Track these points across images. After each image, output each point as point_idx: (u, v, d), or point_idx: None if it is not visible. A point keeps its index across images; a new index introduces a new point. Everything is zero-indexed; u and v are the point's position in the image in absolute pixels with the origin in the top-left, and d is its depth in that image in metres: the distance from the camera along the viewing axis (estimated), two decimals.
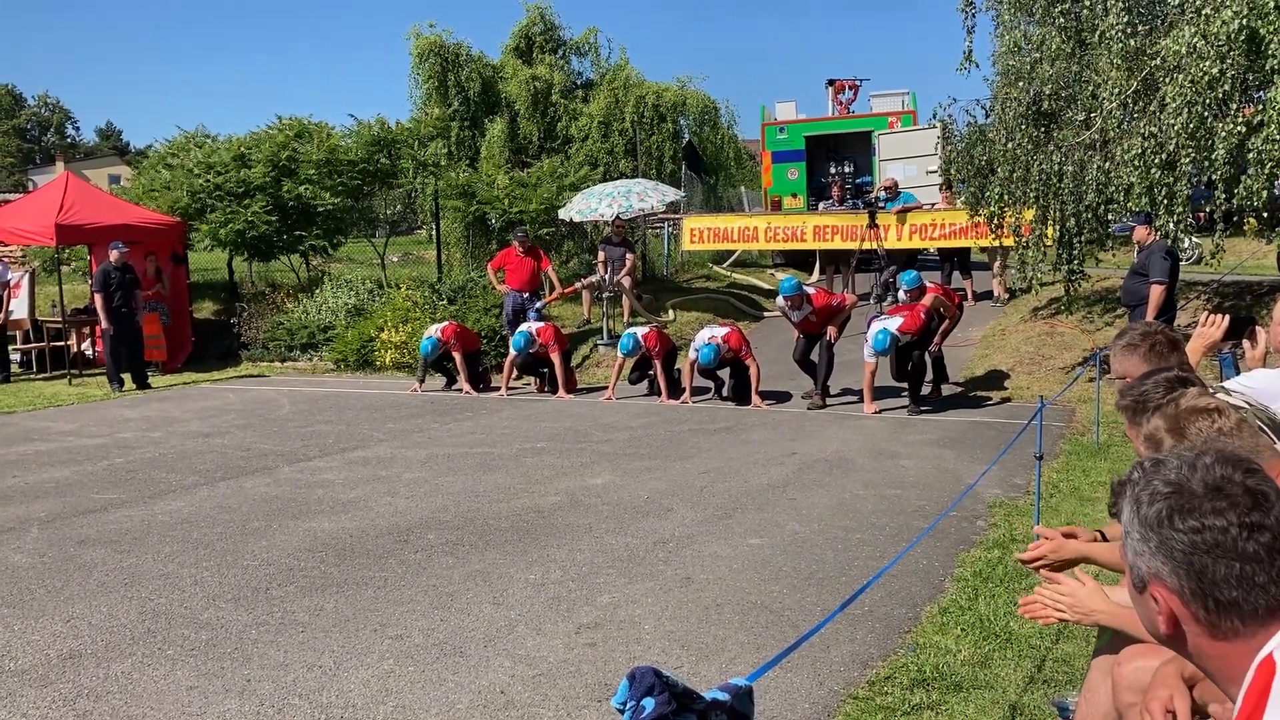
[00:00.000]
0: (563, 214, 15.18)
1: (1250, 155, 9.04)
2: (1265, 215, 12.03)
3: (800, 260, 18.96)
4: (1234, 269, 13.17)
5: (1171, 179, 9.52)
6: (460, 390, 12.15)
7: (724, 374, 11.10)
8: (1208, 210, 10.46)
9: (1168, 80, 9.37)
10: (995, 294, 15.13)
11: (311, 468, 8.19)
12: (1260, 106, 9.21)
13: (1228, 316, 4.21)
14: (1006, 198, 11.43)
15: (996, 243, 13.09)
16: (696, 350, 10.65)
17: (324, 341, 14.91)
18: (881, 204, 15.69)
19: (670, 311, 15.14)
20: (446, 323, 12.41)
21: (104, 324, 13.07)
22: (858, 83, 22.06)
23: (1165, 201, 9.58)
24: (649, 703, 1.70)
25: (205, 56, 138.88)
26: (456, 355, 12.13)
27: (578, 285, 14.69)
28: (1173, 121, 9.23)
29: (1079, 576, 2.45)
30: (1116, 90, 9.88)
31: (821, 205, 20.10)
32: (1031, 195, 11.00)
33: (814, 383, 10.65)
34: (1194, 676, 2.14)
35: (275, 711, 3.86)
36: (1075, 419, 9.39)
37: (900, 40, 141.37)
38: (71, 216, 13.71)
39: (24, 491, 7.50)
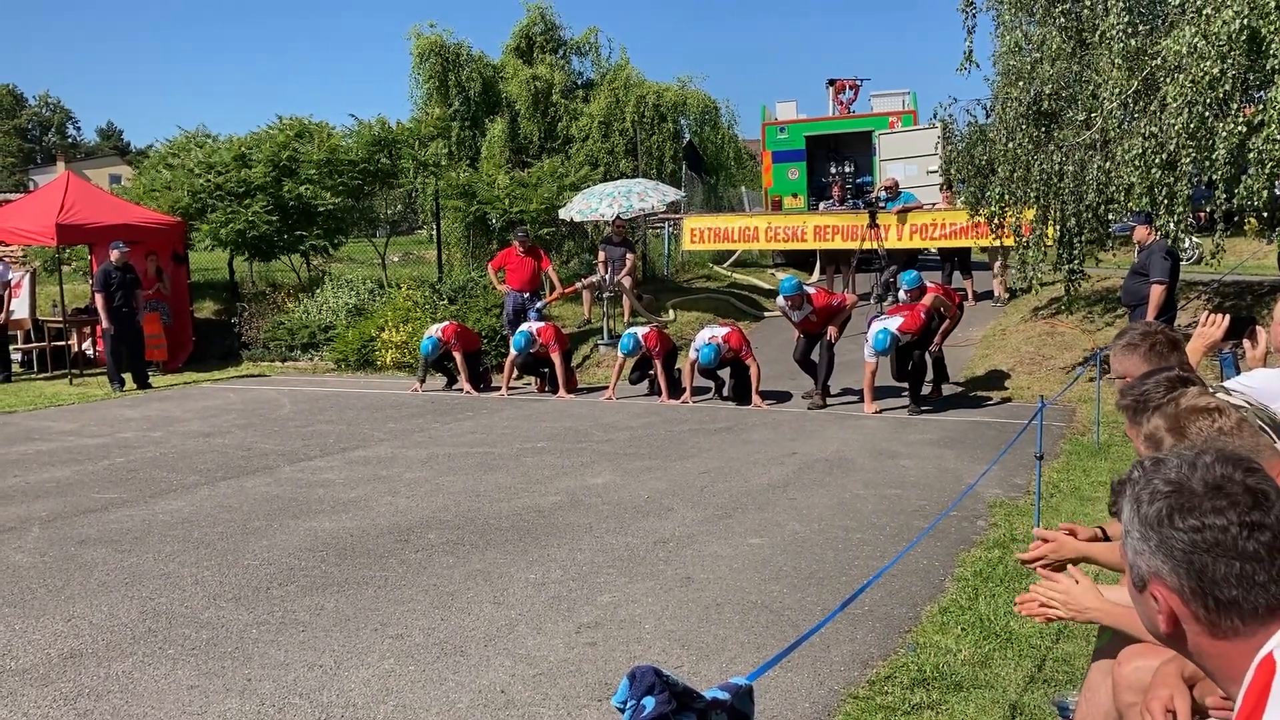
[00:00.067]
0: (563, 214, 15.18)
1: (1251, 155, 9.05)
2: (1266, 215, 12.05)
3: (801, 260, 18.96)
4: (1234, 269, 13.17)
5: (1172, 179, 9.53)
6: (461, 390, 12.16)
7: (724, 374, 11.10)
8: (1208, 210, 10.46)
9: (1168, 80, 9.38)
10: (996, 294, 15.12)
11: (312, 467, 8.19)
12: (1261, 106, 9.21)
13: (1228, 316, 4.21)
14: (1007, 197, 11.43)
15: (997, 243, 13.10)
16: (697, 350, 10.65)
17: (325, 341, 14.92)
18: (882, 204, 15.69)
19: (670, 311, 15.14)
20: (447, 322, 12.42)
21: (105, 324, 13.07)
22: (858, 82, 22.07)
23: (1166, 201, 9.59)
24: (649, 702, 1.70)
25: (205, 56, 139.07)
26: (457, 355, 12.13)
27: (578, 285, 14.70)
28: (1173, 121, 9.23)
29: (1072, 574, 2.45)
30: (1117, 90, 9.88)
31: (822, 205, 20.10)
32: (1032, 195, 11.00)
33: (814, 382, 10.65)
34: (1194, 676, 2.14)
35: (276, 711, 3.86)
36: (1076, 419, 9.39)
37: (900, 40, 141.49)
38: (72, 216, 13.72)
39: (25, 491, 7.51)
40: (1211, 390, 2.57)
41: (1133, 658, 2.52)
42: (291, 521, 6.52)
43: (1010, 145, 11.01)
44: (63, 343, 14.85)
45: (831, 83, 22.19)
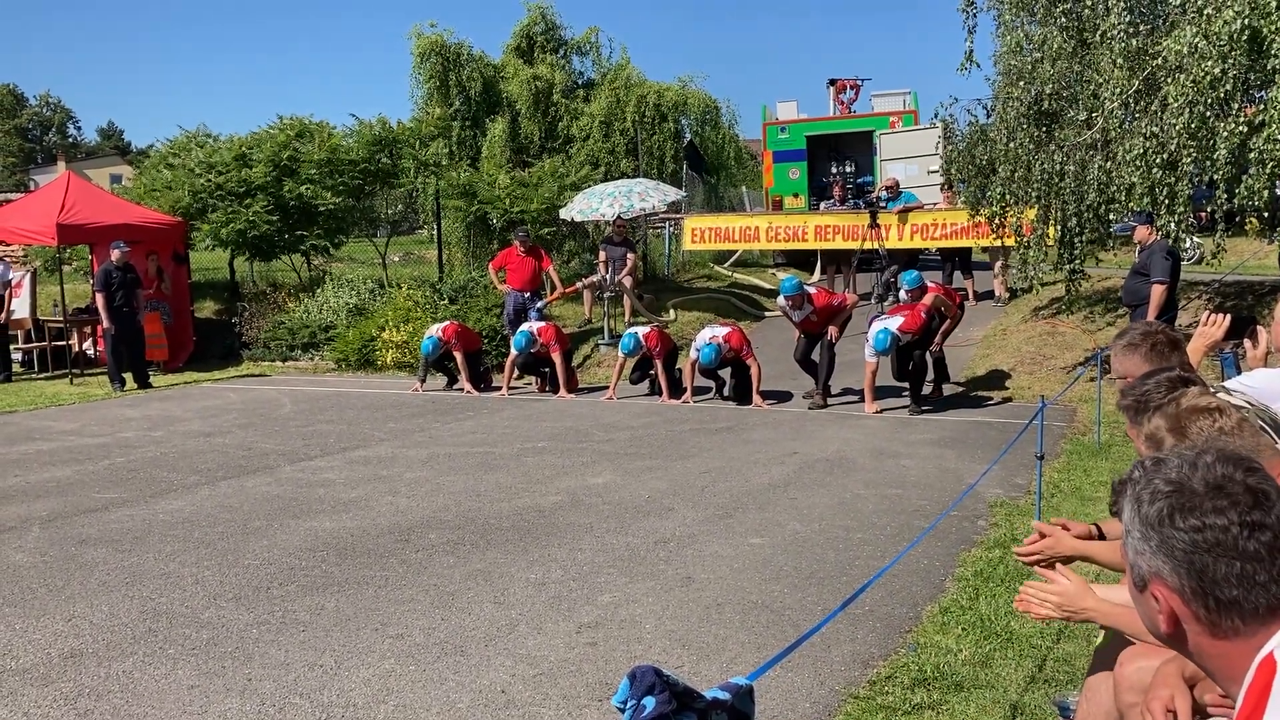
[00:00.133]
0: (564, 214, 15.18)
1: (1251, 155, 9.05)
2: (1266, 215, 12.05)
3: (801, 260, 18.96)
4: (1235, 269, 13.17)
5: (1173, 179, 9.53)
6: (461, 390, 12.16)
7: (725, 374, 11.10)
8: (1209, 210, 10.46)
9: (1169, 80, 9.38)
10: (996, 294, 15.12)
11: (313, 467, 8.19)
12: (1262, 106, 9.21)
13: (1229, 316, 4.21)
14: (1008, 197, 11.43)
15: (998, 242, 13.09)
16: (697, 350, 10.65)
17: (325, 341, 14.92)
18: (883, 204, 15.69)
19: (671, 311, 15.14)
20: (448, 322, 12.42)
21: (105, 323, 13.08)
22: (859, 82, 22.07)
23: (1166, 201, 9.59)
24: (649, 702, 1.70)
25: (206, 56, 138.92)
26: (458, 355, 12.13)
27: (579, 285, 14.70)
28: (1174, 121, 9.23)
29: (1063, 573, 2.43)
30: (1118, 90, 9.88)
31: (823, 205, 20.10)
32: (1033, 195, 11.00)
33: (815, 382, 10.65)
34: (1195, 676, 2.13)
35: (276, 710, 3.86)
36: (1076, 419, 9.39)
37: (901, 40, 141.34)
38: (73, 216, 13.73)
39: (25, 491, 7.51)
40: (1212, 390, 2.57)
41: (1133, 658, 2.52)
42: (292, 521, 6.52)
43: (1011, 145, 11.01)
44: (63, 342, 14.87)
45: (832, 82, 22.19)
